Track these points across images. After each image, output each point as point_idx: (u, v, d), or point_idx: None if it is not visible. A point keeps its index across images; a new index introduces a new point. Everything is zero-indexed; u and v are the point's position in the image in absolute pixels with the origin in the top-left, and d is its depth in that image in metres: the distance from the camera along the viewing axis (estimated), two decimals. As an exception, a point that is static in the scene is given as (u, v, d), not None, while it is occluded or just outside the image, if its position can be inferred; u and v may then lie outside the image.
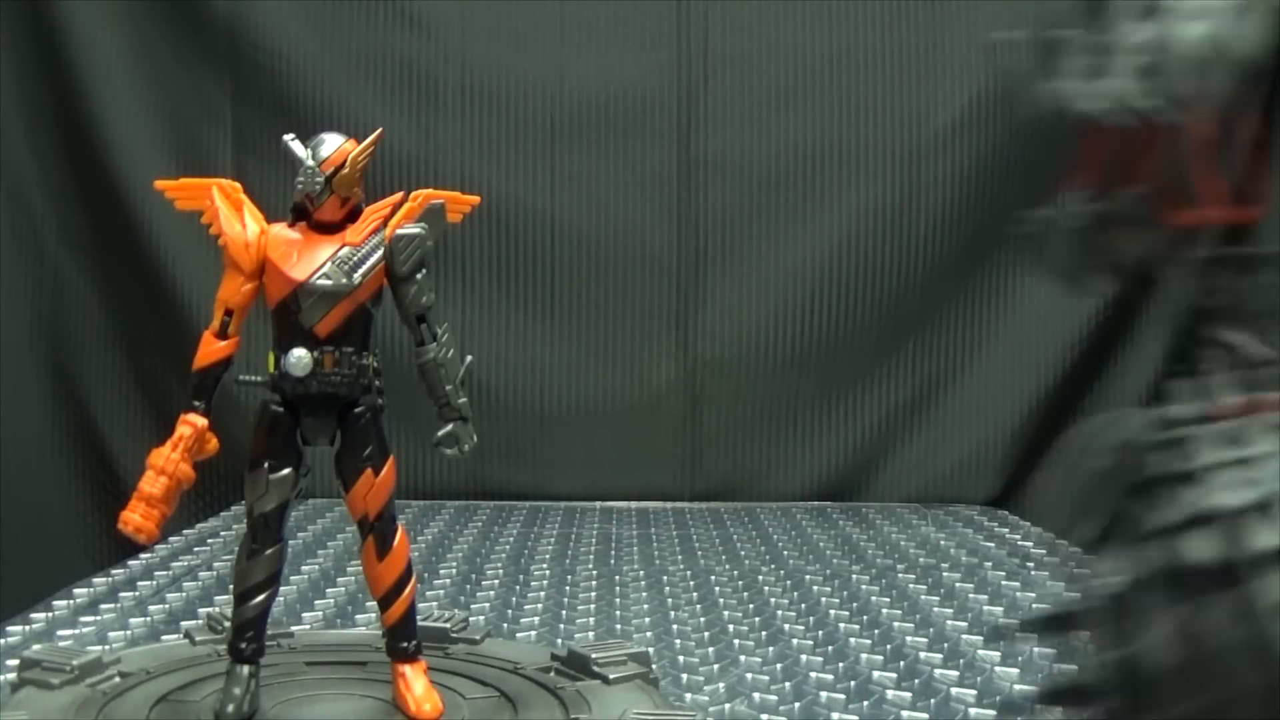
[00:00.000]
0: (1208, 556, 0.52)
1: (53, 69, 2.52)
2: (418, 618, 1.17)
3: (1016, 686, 1.33)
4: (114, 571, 1.83)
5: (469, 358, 1.13)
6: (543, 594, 1.74)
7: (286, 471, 1.11)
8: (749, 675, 1.38)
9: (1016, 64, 0.65)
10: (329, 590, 1.73)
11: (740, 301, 2.58)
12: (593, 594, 1.75)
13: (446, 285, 2.45)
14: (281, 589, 1.20)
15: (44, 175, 2.56)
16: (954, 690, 1.32)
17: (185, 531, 2.14)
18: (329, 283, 1.10)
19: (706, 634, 1.55)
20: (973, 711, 1.26)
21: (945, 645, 1.49)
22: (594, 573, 1.89)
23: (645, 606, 1.68)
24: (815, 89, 2.56)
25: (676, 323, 2.61)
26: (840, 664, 1.42)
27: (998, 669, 1.39)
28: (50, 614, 1.60)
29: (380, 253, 1.11)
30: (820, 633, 1.56)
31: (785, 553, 2.03)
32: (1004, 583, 1.81)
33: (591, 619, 1.62)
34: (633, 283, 2.60)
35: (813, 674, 1.39)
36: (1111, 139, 0.62)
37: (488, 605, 1.68)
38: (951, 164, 2.55)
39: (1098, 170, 0.63)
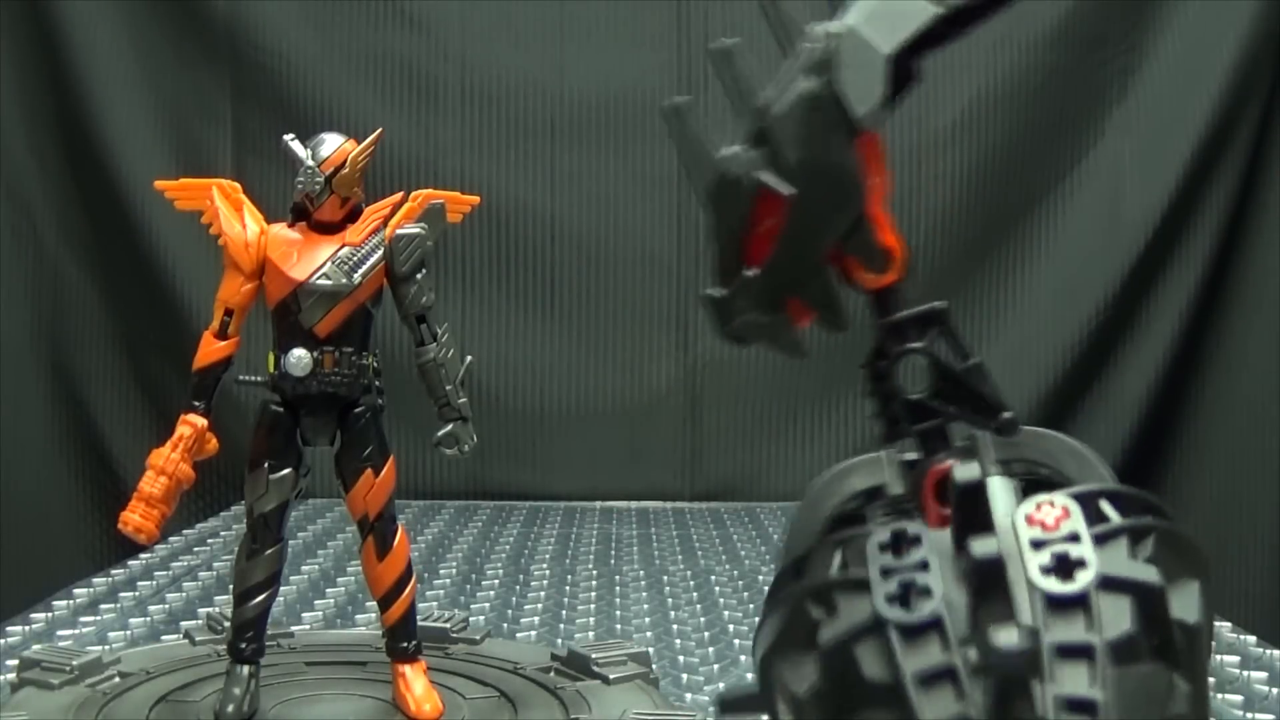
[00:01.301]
0: (873, 674, 0.52)
1: (53, 69, 2.53)
2: (418, 618, 1.17)
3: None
4: (114, 571, 1.83)
5: (469, 358, 1.13)
6: (543, 594, 1.74)
7: (286, 471, 1.11)
8: (749, 675, 1.38)
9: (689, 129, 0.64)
10: (329, 590, 1.73)
11: (740, 301, 2.57)
12: (593, 594, 1.75)
13: (446, 285, 2.45)
14: (281, 589, 1.20)
15: (44, 175, 2.56)
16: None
17: (185, 531, 2.14)
18: (329, 283, 1.10)
19: (706, 634, 1.55)
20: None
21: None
22: (594, 573, 1.89)
23: (645, 606, 1.68)
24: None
25: (676, 323, 2.61)
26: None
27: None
28: (50, 614, 1.60)
29: (380, 253, 1.12)
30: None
31: (785, 553, 2.03)
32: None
33: (591, 619, 1.62)
34: (633, 283, 2.60)
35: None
36: (763, 207, 0.60)
37: (488, 605, 1.68)
38: (951, 164, 2.55)
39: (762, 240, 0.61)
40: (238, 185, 1.14)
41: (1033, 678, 0.49)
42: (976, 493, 0.55)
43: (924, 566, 0.52)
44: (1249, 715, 1.24)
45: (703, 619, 1.62)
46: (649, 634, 1.55)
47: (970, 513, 0.54)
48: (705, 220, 0.63)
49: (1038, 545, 0.52)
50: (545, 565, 1.93)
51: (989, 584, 0.51)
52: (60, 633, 1.51)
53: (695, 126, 0.64)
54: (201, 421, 1.10)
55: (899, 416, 0.63)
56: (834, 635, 0.53)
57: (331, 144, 1.11)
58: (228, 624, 1.17)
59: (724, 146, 0.62)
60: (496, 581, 1.82)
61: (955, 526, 0.55)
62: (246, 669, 1.12)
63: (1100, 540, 0.52)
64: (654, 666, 1.30)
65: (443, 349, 1.12)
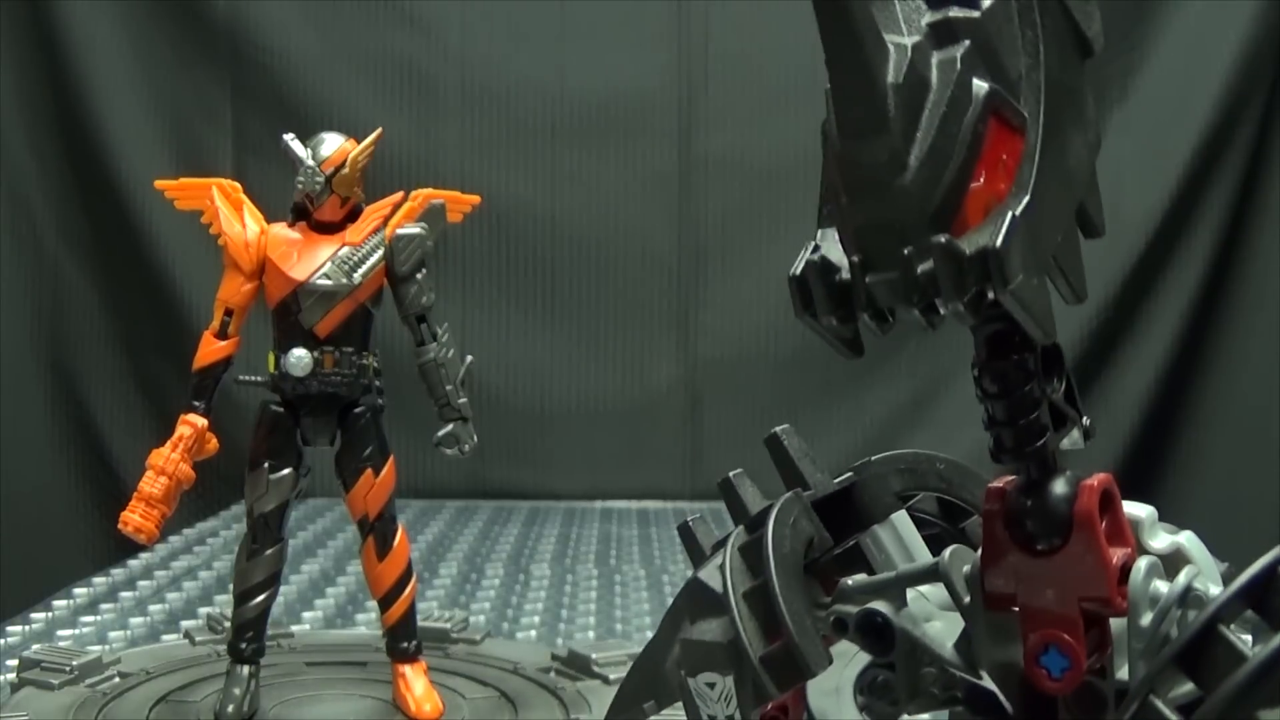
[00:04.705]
0: None
1: (53, 69, 2.53)
2: (418, 618, 1.17)
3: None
4: (114, 571, 1.83)
5: (469, 358, 1.13)
6: (543, 594, 1.74)
7: (286, 472, 1.11)
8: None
9: None
10: (329, 590, 1.73)
11: (740, 301, 2.58)
12: (593, 594, 1.75)
13: (446, 285, 2.45)
14: (281, 589, 1.20)
15: (44, 175, 2.56)
16: (954, 690, 1.31)
17: (185, 531, 2.14)
18: (329, 282, 1.10)
19: (706, 634, 1.54)
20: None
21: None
22: (594, 573, 1.89)
23: (645, 606, 1.68)
24: (815, 89, 2.53)
25: (676, 323, 2.61)
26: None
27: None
28: (50, 614, 1.60)
29: (380, 252, 1.12)
30: (820, 633, 1.55)
31: (785, 553, 2.03)
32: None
33: (591, 619, 1.62)
34: (633, 283, 2.60)
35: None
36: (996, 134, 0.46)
37: (488, 605, 1.68)
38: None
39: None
40: (238, 185, 1.14)
41: None
42: None
43: None
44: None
45: (703, 619, 1.61)
46: (649, 634, 1.54)
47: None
48: (875, 140, 0.44)
49: None
50: (545, 565, 1.93)
51: None
52: (60, 633, 1.51)
53: None
54: (201, 421, 1.10)
55: (1042, 425, 0.52)
56: None
57: (331, 144, 1.11)
58: (228, 624, 1.17)
59: (897, 32, 0.44)
60: (497, 581, 1.82)
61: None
62: (246, 669, 1.12)
63: None
64: (654, 666, 1.29)
65: (443, 349, 1.12)
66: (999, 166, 0.45)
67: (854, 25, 0.43)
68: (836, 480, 0.63)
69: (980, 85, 0.44)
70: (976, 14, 0.44)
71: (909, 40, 0.44)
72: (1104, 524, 0.51)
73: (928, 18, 0.44)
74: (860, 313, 0.48)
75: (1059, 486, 0.51)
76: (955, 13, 0.44)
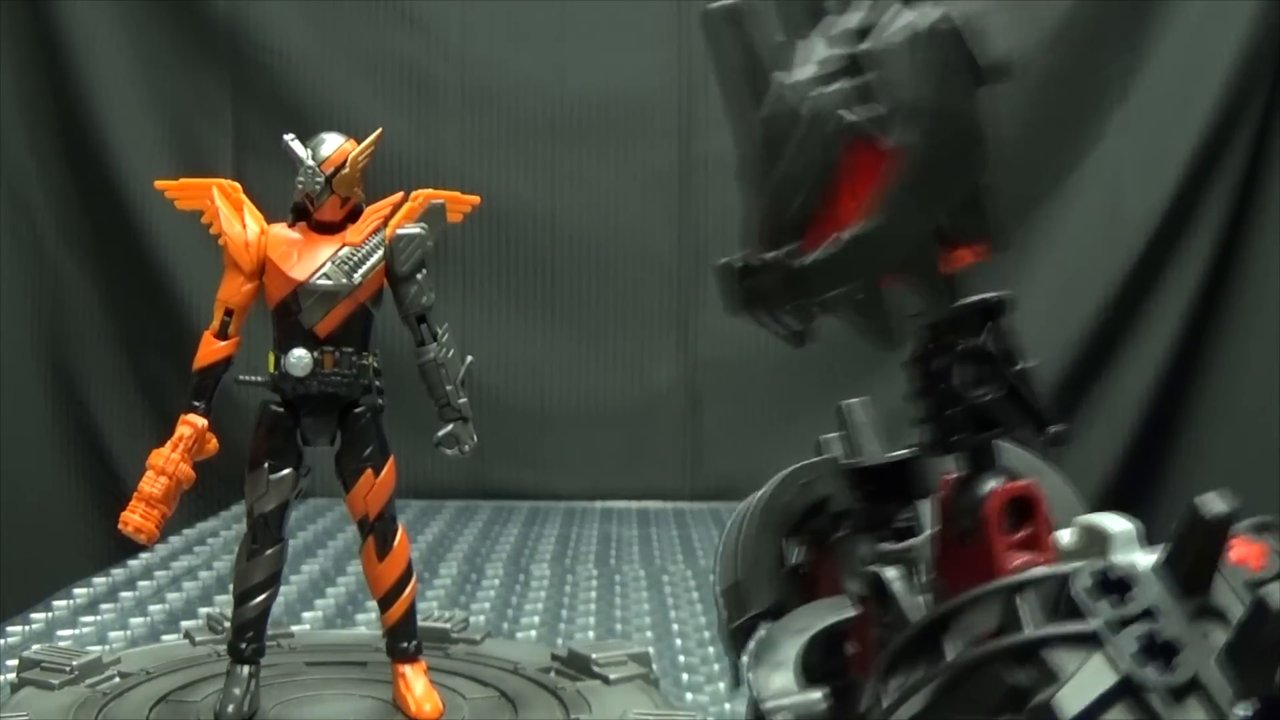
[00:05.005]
0: None
1: (53, 69, 2.53)
2: (418, 618, 1.17)
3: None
4: (114, 571, 1.83)
5: (469, 358, 1.13)
6: (543, 594, 1.74)
7: (286, 472, 1.11)
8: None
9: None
10: (329, 590, 1.73)
11: (740, 301, 2.58)
12: (593, 594, 1.75)
13: (446, 285, 2.45)
14: (281, 589, 1.20)
15: (44, 175, 2.57)
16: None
17: (185, 531, 2.13)
18: (329, 283, 1.10)
19: (706, 634, 1.54)
20: None
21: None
22: (594, 573, 1.89)
23: (645, 606, 1.68)
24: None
25: (676, 323, 2.61)
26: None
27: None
28: (50, 614, 1.60)
29: (380, 253, 1.11)
30: (820, 633, 1.55)
31: (785, 553, 2.03)
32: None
33: (591, 619, 1.62)
34: (633, 283, 2.60)
35: (813, 674, 1.38)
36: (859, 157, 0.49)
37: (488, 605, 1.68)
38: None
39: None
40: (238, 185, 1.14)
41: None
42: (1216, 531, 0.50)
43: (1153, 614, 0.48)
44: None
45: (703, 619, 1.62)
46: (649, 634, 1.55)
47: (1206, 553, 0.50)
48: (749, 163, 0.50)
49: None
50: (545, 565, 1.93)
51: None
52: (60, 633, 1.51)
53: (755, 35, 0.49)
54: (201, 422, 1.10)
55: (958, 424, 0.54)
56: (1071, 704, 0.46)
57: (331, 144, 1.11)
58: (228, 624, 1.17)
59: (787, 70, 0.48)
60: (496, 581, 1.82)
61: (1186, 567, 0.51)
62: (246, 669, 1.12)
63: None
64: (654, 666, 1.30)
65: (443, 349, 1.12)
66: (860, 189, 0.49)
67: (725, 69, 0.49)
68: (895, 454, 0.67)
69: (844, 116, 0.48)
70: (880, 49, 0.48)
71: (796, 76, 0.48)
72: (1024, 530, 0.53)
73: (839, 51, 0.49)
74: (742, 309, 0.54)
75: (982, 485, 0.54)
76: (861, 47, 0.48)
